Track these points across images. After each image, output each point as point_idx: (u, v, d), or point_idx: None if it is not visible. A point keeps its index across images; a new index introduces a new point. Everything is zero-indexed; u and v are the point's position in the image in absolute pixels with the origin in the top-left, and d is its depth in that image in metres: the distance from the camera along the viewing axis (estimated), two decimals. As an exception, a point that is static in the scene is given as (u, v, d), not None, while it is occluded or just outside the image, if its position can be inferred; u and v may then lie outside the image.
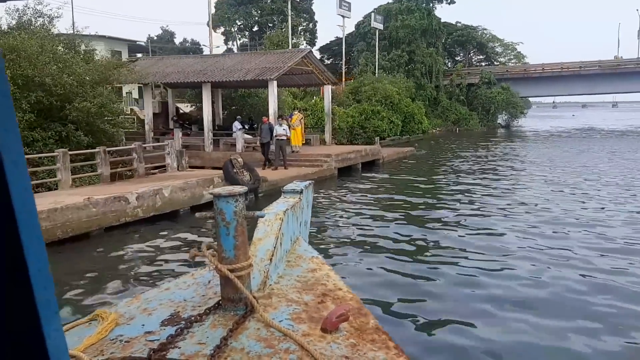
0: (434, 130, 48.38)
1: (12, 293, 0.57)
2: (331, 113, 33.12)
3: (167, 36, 71.14)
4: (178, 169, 15.56)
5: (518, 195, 15.31)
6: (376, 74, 46.48)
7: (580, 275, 7.99)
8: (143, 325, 2.72)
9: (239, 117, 22.59)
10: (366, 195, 15.47)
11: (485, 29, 67.15)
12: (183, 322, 2.64)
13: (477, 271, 8.18)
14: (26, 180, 0.58)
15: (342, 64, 50.63)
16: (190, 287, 3.25)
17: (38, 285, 0.58)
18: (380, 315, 6.21)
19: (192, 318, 2.67)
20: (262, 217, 3.18)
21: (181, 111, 27.22)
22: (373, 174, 20.27)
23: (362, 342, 2.48)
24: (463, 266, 8.52)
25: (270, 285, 3.14)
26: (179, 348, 2.40)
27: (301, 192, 4.10)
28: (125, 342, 2.53)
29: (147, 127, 21.93)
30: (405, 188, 16.80)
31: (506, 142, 38.18)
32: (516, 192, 15.94)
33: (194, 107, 28.47)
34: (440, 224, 11.60)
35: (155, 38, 69.50)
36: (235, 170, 13.79)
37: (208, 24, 27.45)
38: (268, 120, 18.77)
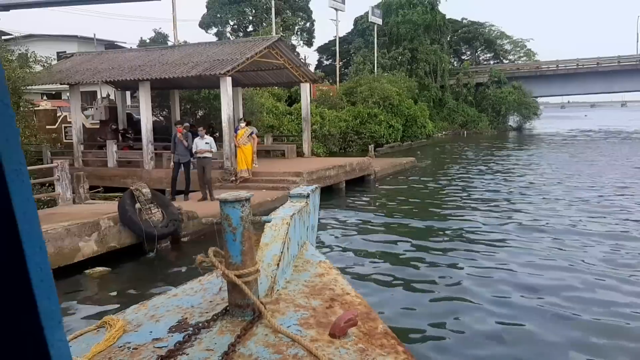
0: (439, 134, 43.88)
1: (15, 303, 0.57)
2: (319, 117, 28.83)
3: (160, 38, 67.07)
4: (74, 201, 10.98)
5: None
6: (375, 73, 41.83)
7: None
8: (151, 332, 2.69)
9: (186, 124, 17.80)
10: (344, 229, 10.89)
11: (493, 25, 63.83)
12: (191, 329, 2.62)
13: None
14: (28, 190, 0.58)
15: (340, 64, 46.00)
16: (198, 293, 3.21)
17: (41, 295, 0.58)
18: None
19: (200, 324, 2.65)
20: (268, 222, 3.21)
21: (136, 118, 22.62)
22: (360, 199, 15.28)
23: (371, 347, 2.47)
24: None
25: (277, 290, 3.10)
26: (187, 355, 2.39)
27: (308, 196, 4.04)
28: (133, 349, 2.51)
29: (75, 139, 17.25)
30: (399, 224, 12.15)
31: (525, 148, 33.06)
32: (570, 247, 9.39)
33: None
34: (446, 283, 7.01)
35: (148, 41, 65.47)
36: (138, 208, 9.16)
37: (173, 15, 22.96)
38: (184, 130, 13.21)
